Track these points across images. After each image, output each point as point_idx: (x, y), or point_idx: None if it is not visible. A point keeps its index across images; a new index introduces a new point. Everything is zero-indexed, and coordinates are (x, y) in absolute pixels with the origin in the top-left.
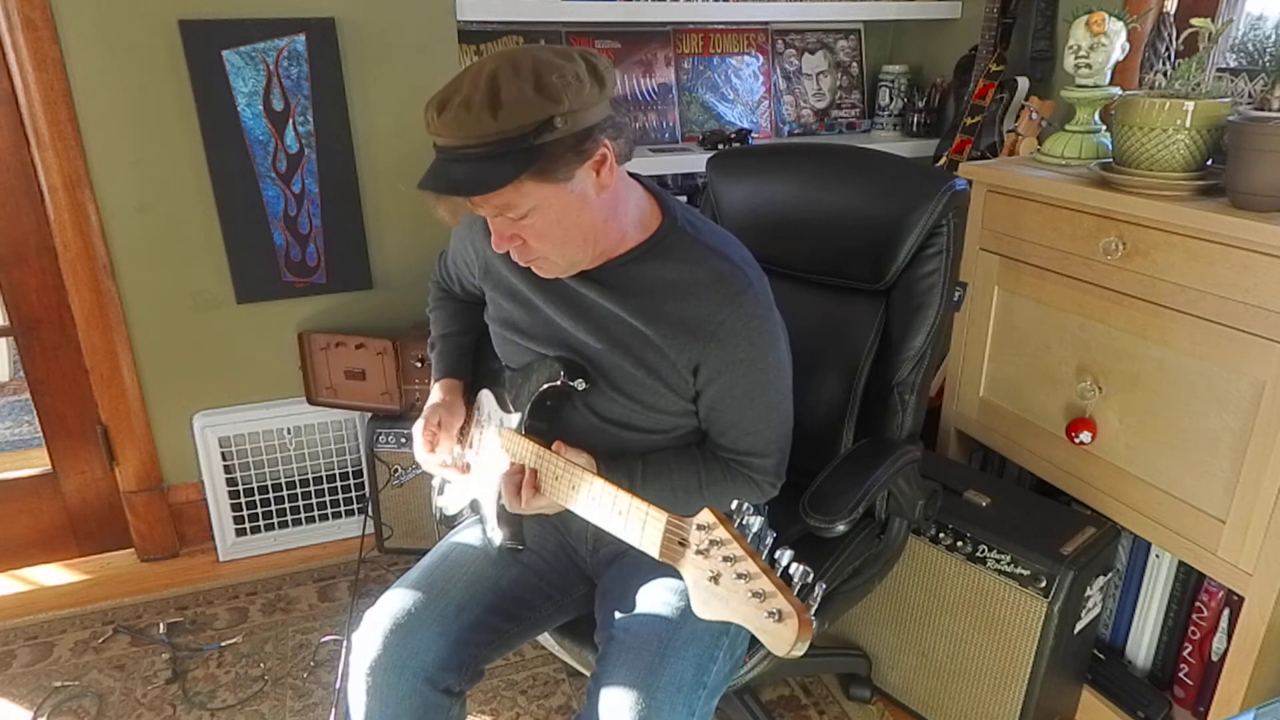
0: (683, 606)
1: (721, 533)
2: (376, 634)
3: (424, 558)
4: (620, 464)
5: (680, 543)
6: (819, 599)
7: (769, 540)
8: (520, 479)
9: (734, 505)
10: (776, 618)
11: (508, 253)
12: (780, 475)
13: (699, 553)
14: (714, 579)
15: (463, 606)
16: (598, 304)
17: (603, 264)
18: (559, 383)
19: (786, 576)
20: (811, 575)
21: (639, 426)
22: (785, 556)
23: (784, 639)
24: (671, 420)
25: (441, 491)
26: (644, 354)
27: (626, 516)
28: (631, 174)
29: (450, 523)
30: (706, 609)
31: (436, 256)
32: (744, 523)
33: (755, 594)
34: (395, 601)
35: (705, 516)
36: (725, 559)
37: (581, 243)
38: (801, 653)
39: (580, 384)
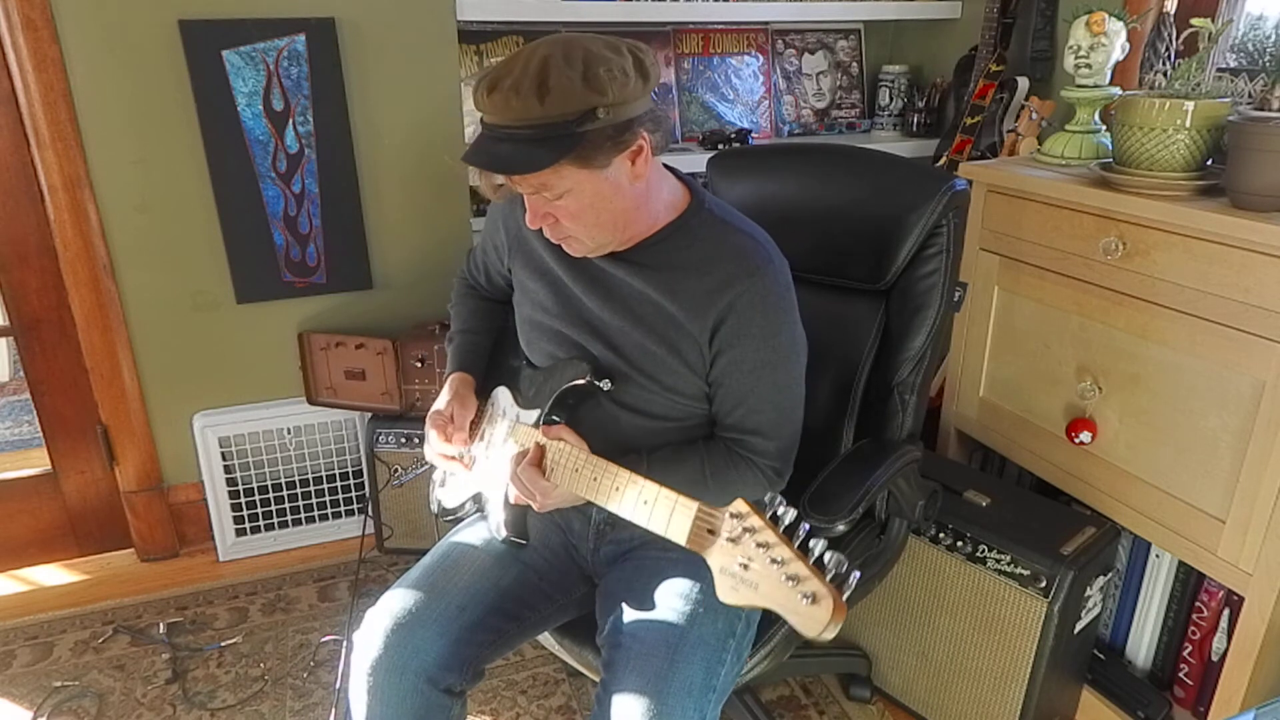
0: (689, 610)
1: (755, 521)
2: (377, 633)
3: (425, 557)
4: (625, 461)
5: (710, 531)
6: (853, 585)
7: (802, 531)
8: (528, 466)
9: (767, 498)
10: (811, 600)
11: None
12: (786, 464)
13: (730, 540)
14: (745, 565)
15: (463, 606)
16: (624, 282)
17: (632, 246)
18: (585, 381)
19: (820, 564)
20: (846, 564)
21: (654, 413)
22: (819, 545)
23: (818, 620)
24: (685, 405)
25: (443, 484)
26: (665, 330)
27: (654, 505)
28: (667, 165)
29: (448, 516)
30: (733, 594)
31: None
32: (777, 514)
33: (790, 578)
34: (396, 601)
35: (739, 506)
36: (759, 545)
37: (611, 226)
38: (832, 636)
39: (606, 384)
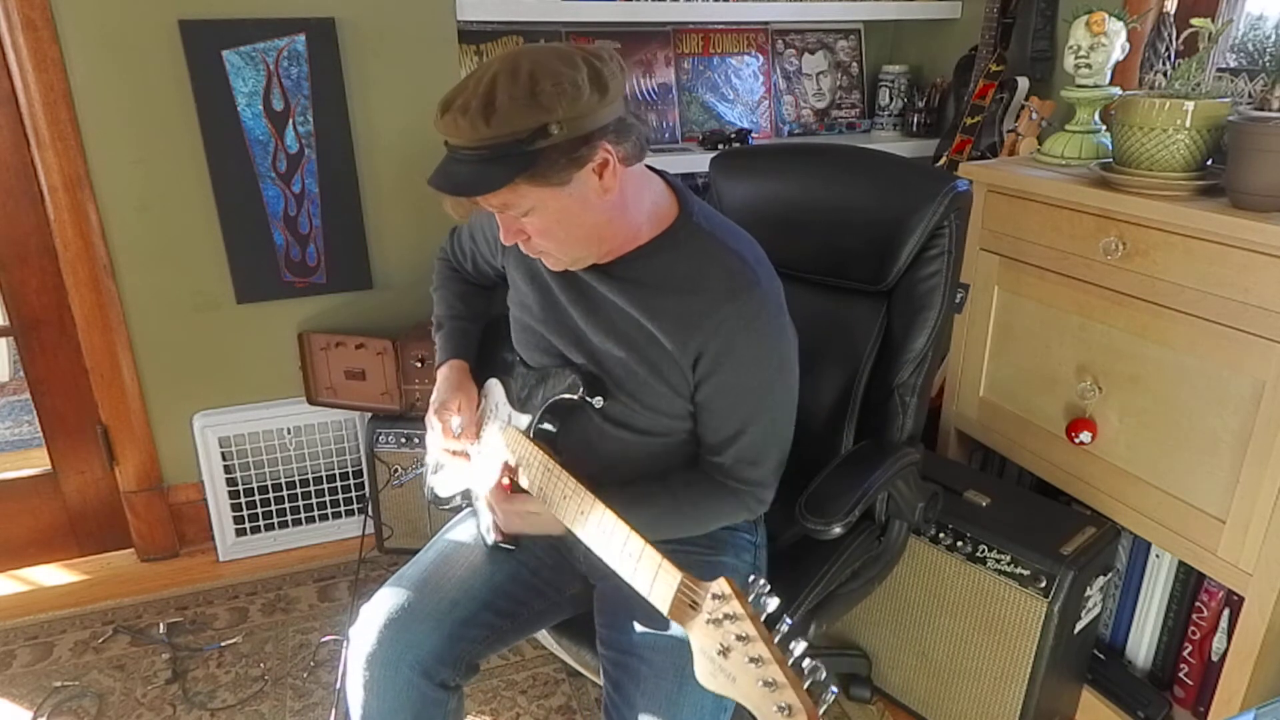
0: None
1: (736, 606)
2: (372, 628)
3: (419, 554)
4: (604, 494)
5: (691, 605)
6: (829, 700)
7: (784, 626)
8: (504, 486)
9: (750, 579)
10: (786, 713)
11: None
12: (769, 489)
13: (711, 621)
14: (723, 652)
15: (456, 601)
16: (607, 299)
17: (615, 259)
18: (576, 396)
19: (799, 668)
20: (824, 673)
21: (637, 427)
22: (799, 647)
23: None
24: (668, 422)
25: (436, 472)
26: (648, 350)
27: (637, 561)
28: (655, 169)
29: (442, 505)
30: (711, 680)
31: (448, 234)
32: (760, 600)
33: (766, 682)
34: (390, 597)
35: (721, 586)
36: (738, 637)
37: (584, 241)
38: None
39: (599, 401)
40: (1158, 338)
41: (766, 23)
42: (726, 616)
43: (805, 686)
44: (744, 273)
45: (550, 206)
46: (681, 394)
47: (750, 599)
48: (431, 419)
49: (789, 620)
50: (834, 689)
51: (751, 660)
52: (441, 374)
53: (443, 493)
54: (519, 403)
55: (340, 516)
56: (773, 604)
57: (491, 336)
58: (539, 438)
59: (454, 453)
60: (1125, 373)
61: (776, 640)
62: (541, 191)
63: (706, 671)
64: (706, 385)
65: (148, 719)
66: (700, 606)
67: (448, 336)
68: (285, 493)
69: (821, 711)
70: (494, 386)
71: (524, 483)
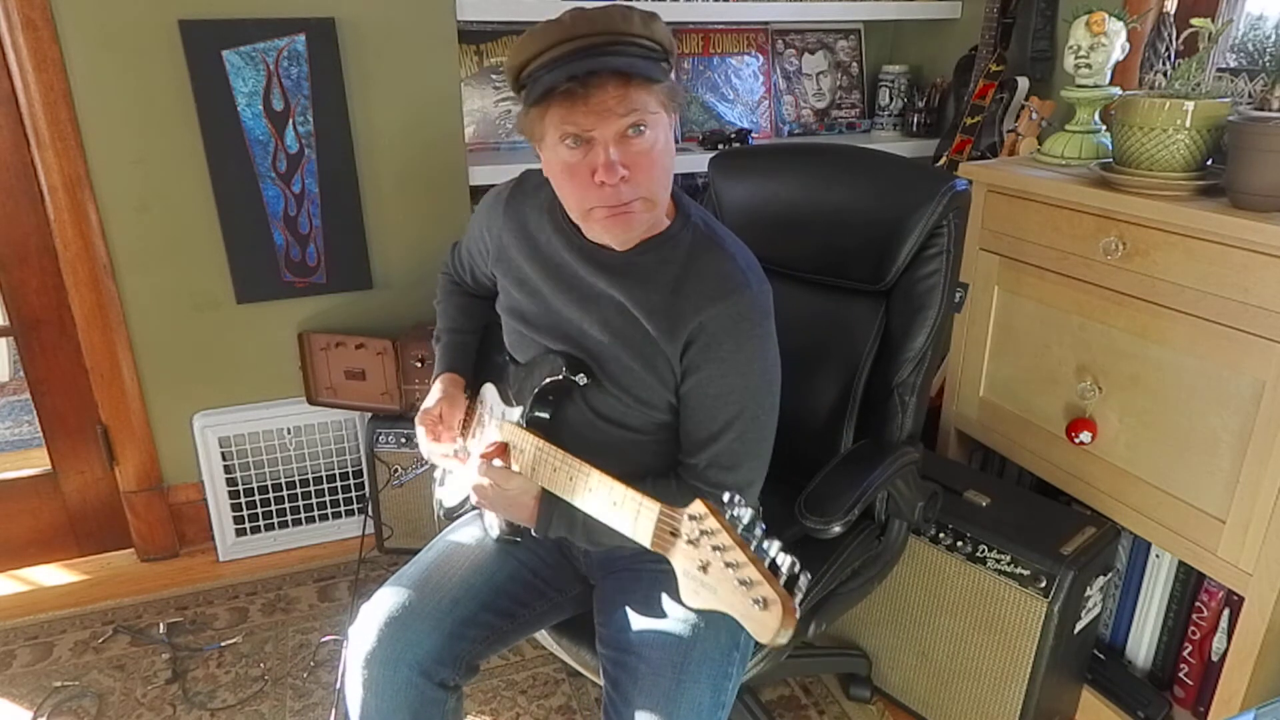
0: (692, 623)
1: (712, 523)
2: (372, 627)
3: (419, 554)
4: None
5: (672, 533)
6: (804, 589)
7: (759, 531)
8: (490, 459)
9: (725, 498)
10: (761, 605)
11: (524, 240)
12: (747, 500)
13: (689, 542)
14: (703, 568)
15: (457, 601)
16: (605, 293)
17: (619, 251)
18: (560, 377)
19: (774, 567)
20: (798, 565)
21: (630, 425)
22: (773, 547)
23: (768, 626)
24: (660, 417)
25: (443, 483)
26: (642, 347)
27: (621, 507)
28: None
29: (451, 515)
30: (695, 598)
31: (449, 250)
32: (735, 514)
33: (742, 582)
34: (390, 596)
35: (696, 507)
36: (715, 548)
37: (666, 185)
38: (785, 641)
39: (581, 378)
40: (1158, 338)
41: (766, 23)
42: (703, 533)
43: (782, 581)
44: (735, 275)
45: (661, 136)
46: (669, 387)
47: (726, 515)
48: (417, 425)
49: (763, 525)
50: (807, 576)
51: (728, 565)
52: (434, 386)
53: (450, 502)
54: (511, 399)
55: (340, 516)
56: (746, 515)
57: (484, 344)
58: (533, 426)
59: (450, 456)
60: (1125, 373)
61: (752, 546)
62: (662, 114)
63: (690, 590)
64: (689, 380)
65: (148, 719)
66: (680, 532)
67: (445, 349)
68: (285, 493)
69: (798, 601)
70: (488, 391)
71: (516, 469)
